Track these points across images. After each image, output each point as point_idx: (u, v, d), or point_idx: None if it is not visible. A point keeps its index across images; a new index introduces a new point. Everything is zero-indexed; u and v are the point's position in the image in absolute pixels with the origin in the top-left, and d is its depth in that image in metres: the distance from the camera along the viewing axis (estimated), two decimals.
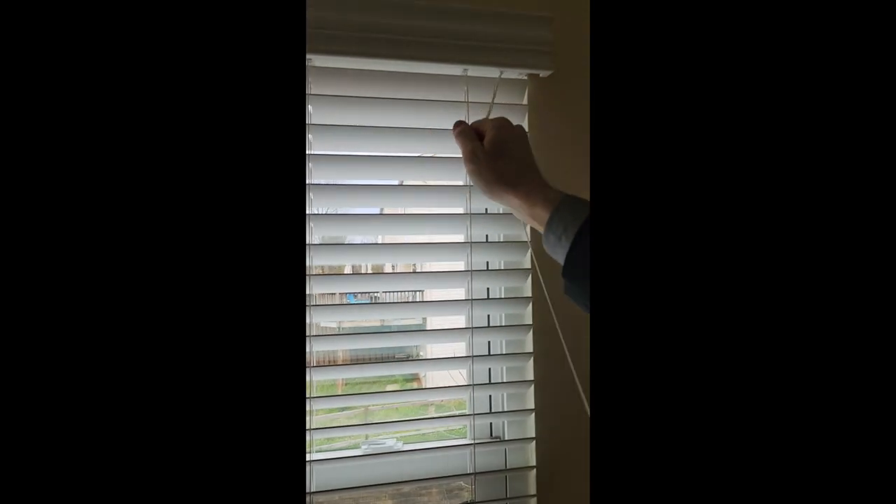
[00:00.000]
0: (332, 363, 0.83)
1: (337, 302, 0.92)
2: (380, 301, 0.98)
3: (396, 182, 0.85)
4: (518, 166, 0.60)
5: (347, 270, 1.05)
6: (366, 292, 0.91)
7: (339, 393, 0.92)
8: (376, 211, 0.86)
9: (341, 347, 0.86)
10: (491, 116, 0.72)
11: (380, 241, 0.87)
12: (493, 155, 0.60)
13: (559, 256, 0.54)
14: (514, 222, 0.83)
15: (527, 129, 0.82)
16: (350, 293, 0.86)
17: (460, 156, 0.81)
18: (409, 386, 1.59)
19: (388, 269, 1.06)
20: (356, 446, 0.84)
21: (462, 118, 0.78)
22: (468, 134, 0.62)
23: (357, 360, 1.03)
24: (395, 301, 0.89)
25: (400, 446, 0.81)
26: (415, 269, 0.94)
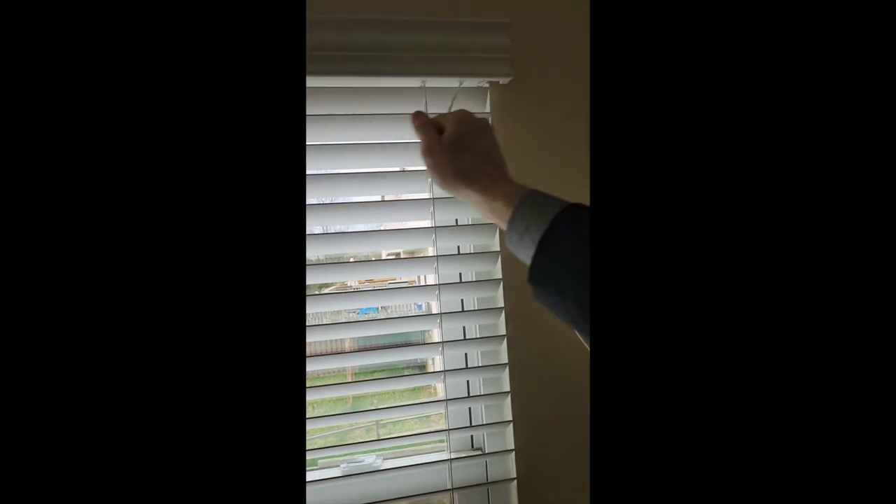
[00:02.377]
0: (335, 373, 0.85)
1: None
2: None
3: (360, 199, 0.84)
4: (477, 160, 0.56)
5: (333, 288, 1.06)
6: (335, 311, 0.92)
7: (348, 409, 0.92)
8: (340, 229, 0.86)
9: (334, 366, 0.87)
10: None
11: (351, 260, 0.87)
12: (452, 149, 0.56)
13: (523, 256, 0.50)
14: (484, 232, 0.82)
15: None
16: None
17: (423, 169, 0.80)
18: (421, 393, 1.61)
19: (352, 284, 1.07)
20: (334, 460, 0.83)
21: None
22: (427, 128, 0.59)
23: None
24: (376, 318, 0.89)
25: (379, 463, 0.81)
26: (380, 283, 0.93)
